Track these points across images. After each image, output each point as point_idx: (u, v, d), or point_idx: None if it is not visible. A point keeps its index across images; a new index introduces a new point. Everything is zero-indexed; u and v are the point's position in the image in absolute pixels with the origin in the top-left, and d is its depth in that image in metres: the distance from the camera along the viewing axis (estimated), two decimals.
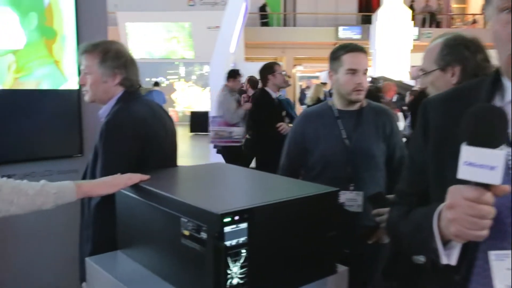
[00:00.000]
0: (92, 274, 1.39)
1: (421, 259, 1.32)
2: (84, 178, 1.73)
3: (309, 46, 16.65)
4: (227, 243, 1.05)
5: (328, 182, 1.52)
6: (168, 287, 1.23)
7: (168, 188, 1.31)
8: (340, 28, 15.81)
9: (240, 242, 1.08)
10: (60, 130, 2.72)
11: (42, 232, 2.50)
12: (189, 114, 13.64)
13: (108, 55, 1.70)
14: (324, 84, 10.79)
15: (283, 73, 3.92)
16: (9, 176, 2.52)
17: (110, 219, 1.47)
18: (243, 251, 1.08)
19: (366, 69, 1.94)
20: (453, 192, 0.81)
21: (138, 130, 1.64)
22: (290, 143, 2.07)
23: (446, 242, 0.88)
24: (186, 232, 1.14)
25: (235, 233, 1.06)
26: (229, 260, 1.06)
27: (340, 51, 1.93)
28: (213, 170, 1.66)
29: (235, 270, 1.07)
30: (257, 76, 4.48)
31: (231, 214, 1.05)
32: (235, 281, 1.08)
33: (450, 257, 0.87)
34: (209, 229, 1.06)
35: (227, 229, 1.05)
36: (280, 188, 1.40)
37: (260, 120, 3.80)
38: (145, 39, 15.21)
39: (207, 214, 1.07)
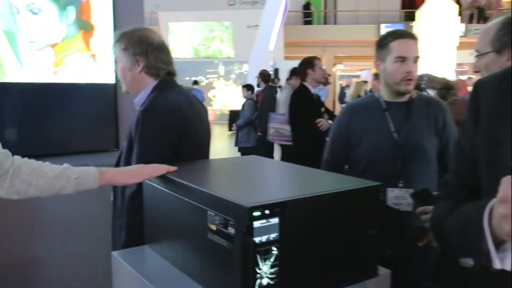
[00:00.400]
0: (117, 268, 1.34)
1: (469, 262, 1.19)
2: (116, 166, 1.70)
3: (349, 44, 16.34)
4: (256, 239, 0.96)
5: (375, 179, 1.41)
6: (193, 285, 1.15)
7: (195, 179, 1.24)
8: (382, 26, 15.39)
9: (271, 238, 0.98)
10: (96, 124, 2.72)
11: (76, 224, 2.50)
12: (227, 112, 13.67)
13: (130, 41, 1.65)
14: (365, 82, 10.53)
15: (323, 68, 3.79)
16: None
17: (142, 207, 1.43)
18: (274, 248, 0.99)
19: (417, 57, 1.79)
20: (508, 183, 0.68)
21: (174, 119, 1.59)
22: (334, 137, 1.96)
23: (499, 243, 0.75)
24: (213, 227, 1.06)
25: (265, 229, 0.97)
26: (259, 258, 0.97)
27: (388, 38, 1.80)
28: (246, 162, 1.57)
29: (265, 269, 0.98)
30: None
31: (261, 207, 0.96)
32: (264, 281, 0.98)
33: (504, 261, 0.74)
34: (237, 224, 0.97)
35: (256, 224, 0.96)
36: (317, 182, 1.29)
37: (298, 116, 3.68)
38: (185, 39, 15.37)
39: (235, 207, 0.98)
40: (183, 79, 12.20)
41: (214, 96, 15.57)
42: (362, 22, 16.40)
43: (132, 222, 1.52)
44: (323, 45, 16.54)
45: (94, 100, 2.70)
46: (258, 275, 0.97)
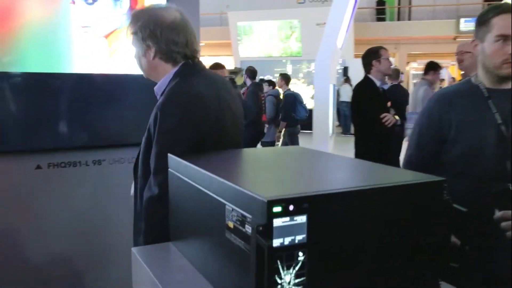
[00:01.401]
0: (135, 265, 1.20)
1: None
2: (135, 164, 1.56)
3: (424, 41, 15.48)
4: (277, 241, 0.76)
5: (477, 181, 1.16)
6: None
7: (217, 168, 1.06)
8: (462, 20, 14.39)
9: (297, 241, 0.78)
10: (147, 115, 2.66)
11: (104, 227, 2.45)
12: None
13: (139, 24, 1.48)
14: (441, 80, 9.87)
15: (390, 59, 3.46)
16: (98, 162, 2.55)
17: (163, 213, 1.28)
18: (301, 254, 0.79)
19: None
20: None
21: (197, 112, 1.39)
22: (422, 129, 1.65)
23: None
24: (230, 224, 0.88)
25: (290, 229, 0.77)
26: (280, 265, 0.77)
27: (490, 13, 1.51)
28: (284, 153, 1.37)
29: (287, 278, 0.78)
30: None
31: (284, 202, 0.76)
32: None
33: None
34: (254, 221, 0.78)
35: (277, 222, 0.76)
36: (361, 174, 1.07)
37: (361, 111, 3.39)
38: (254, 38, 15.38)
39: (252, 200, 0.79)
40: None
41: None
42: (439, 17, 15.44)
43: (150, 227, 1.38)
44: (395, 42, 15.81)
45: (147, 92, 2.63)
46: (279, 286, 0.78)
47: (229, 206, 0.88)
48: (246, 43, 15.11)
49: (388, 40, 15.68)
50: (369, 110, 3.28)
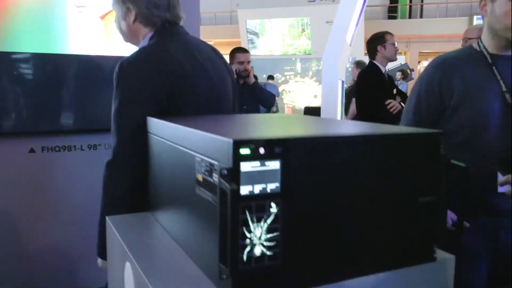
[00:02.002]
0: (109, 234, 1.12)
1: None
2: None
3: (436, 39, 15.24)
4: (245, 188, 0.67)
5: (480, 153, 1.04)
6: (180, 256, 0.89)
7: (189, 121, 0.97)
8: (475, 18, 14.15)
9: (269, 191, 0.69)
10: None
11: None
12: (302, 109, 13.33)
13: None
14: None
15: (396, 44, 3.35)
16: (94, 146, 2.48)
17: (116, 181, 1.24)
18: (273, 205, 0.70)
19: None
20: None
21: (161, 69, 1.28)
22: (420, 96, 1.53)
23: None
24: (200, 177, 0.79)
25: (260, 176, 0.68)
26: (248, 216, 0.68)
27: None
28: (270, 116, 1.27)
29: (257, 232, 0.69)
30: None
31: (252, 143, 0.67)
32: (257, 250, 0.70)
33: None
34: (220, 166, 0.69)
35: (245, 166, 0.67)
36: (348, 125, 0.97)
37: (366, 97, 3.27)
38: (263, 36, 15.31)
39: (219, 144, 0.71)
40: (260, 76, 12.11)
41: (289, 93, 15.32)
42: (452, 14, 15.19)
43: (105, 197, 1.29)
44: (406, 40, 15.60)
45: None
46: (247, 241, 0.69)
47: (198, 157, 0.79)
48: (255, 41, 15.05)
49: (400, 38, 15.44)
50: (374, 96, 3.17)
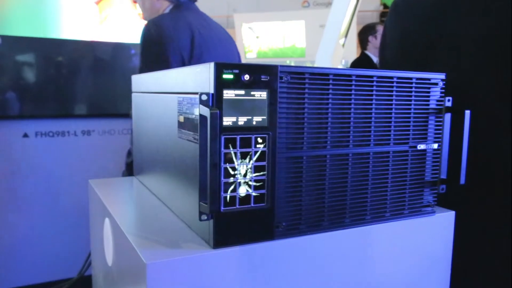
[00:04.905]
0: (91, 197, 1.05)
1: None
2: None
3: None
4: (228, 119, 0.61)
5: None
6: (163, 213, 0.83)
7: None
8: None
9: (254, 123, 0.63)
10: None
11: None
12: None
13: None
14: None
15: None
16: (87, 132, 2.42)
17: None
18: (260, 140, 0.64)
19: None
20: None
21: (181, 28, 1.35)
22: None
23: None
24: (181, 118, 0.73)
25: (245, 106, 0.62)
26: (233, 153, 0.62)
27: None
28: None
29: (242, 170, 0.63)
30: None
31: (236, 67, 0.61)
32: (242, 190, 0.63)
33: None
34: (201, 96, 0.62)
35: (228, 94, 0.61)
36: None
37: None
38: (259, 39, 15.36)
39: (200, 72, 0.64)
40: None
41: None
42: None
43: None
44: None
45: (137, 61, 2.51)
46: (231, 179, 0.62)
47: (180, 97, 0.73)
48: (251, 44, 15.08)
49: None
50: None
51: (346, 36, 9.88)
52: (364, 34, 3.30)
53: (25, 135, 2.21)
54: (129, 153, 1.41)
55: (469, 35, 0.90)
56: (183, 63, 1.32)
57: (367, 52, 3.28)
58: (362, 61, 3.27)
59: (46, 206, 2.24)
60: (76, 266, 1.46)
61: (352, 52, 12.61)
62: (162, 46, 1.31)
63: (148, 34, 1.34)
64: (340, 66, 9.34)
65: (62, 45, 2.28)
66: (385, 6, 16.52)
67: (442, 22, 0.95)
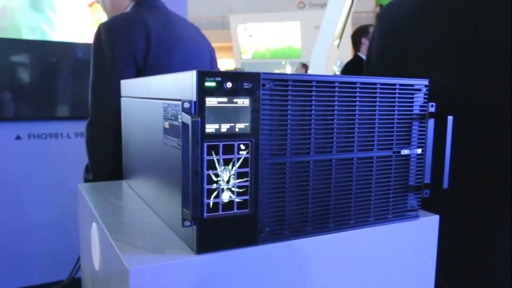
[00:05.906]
0: (80, 201, 1.06)
1: None
2: None
3: None
4: (210, 126, 0.62)
5: None
6: (149, 216, 0.83)
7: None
8: None
9: (237, 130, 0.64)
10: None
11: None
12: None
13: None
14: None
15: None
16: (81, 134, 2.42)
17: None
18: (243, 147, 0.64)
19: None
20: None
21: (136, 31, 1.25)
22: None
23: None
24: (167, 125, 0.73)
25: (228, 113, 0.63)
26: (215, 159, 0.63)
27: None
28: None
29: (225, 176, 0.64)
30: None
31: (219, 75, 0.62)
32: (225, 196, 0.64)
33: None
34: (183, 103, 0.63)
35: (211, 101, 0.62)
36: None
37: None
38: (254, 40, 15.37)
39: (183, 79, 0.65)
40: None
41: None
42: None
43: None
44: None
45: None
46: (214, 185, 0.63)
47: (165, 103, 0.74)
48: (246, 45, 15.10)
49: None
50: None
51: (341, 37, 9.92)
52: (357, 36, 3.30)
53: (18, 137, 2.22)
54: (87, 168, 1.33)
55: (442, 41, 0.91)
56: (137, 68, 1.24)
57: (360, 54, 3.29)
58: (355, 63, 3.27)
59: (38, 208, 2.24)
60: (66, 269, 1.47)
61: (347, 53, 12.65)
62: (111, 52, 1.22)
63: (96, 39, 1.24)
64: (335, 67, 9.37)
65: (56, 47, 2.29)
66: (381, 7, 16.60)
67: (418, 28, 0.97)
